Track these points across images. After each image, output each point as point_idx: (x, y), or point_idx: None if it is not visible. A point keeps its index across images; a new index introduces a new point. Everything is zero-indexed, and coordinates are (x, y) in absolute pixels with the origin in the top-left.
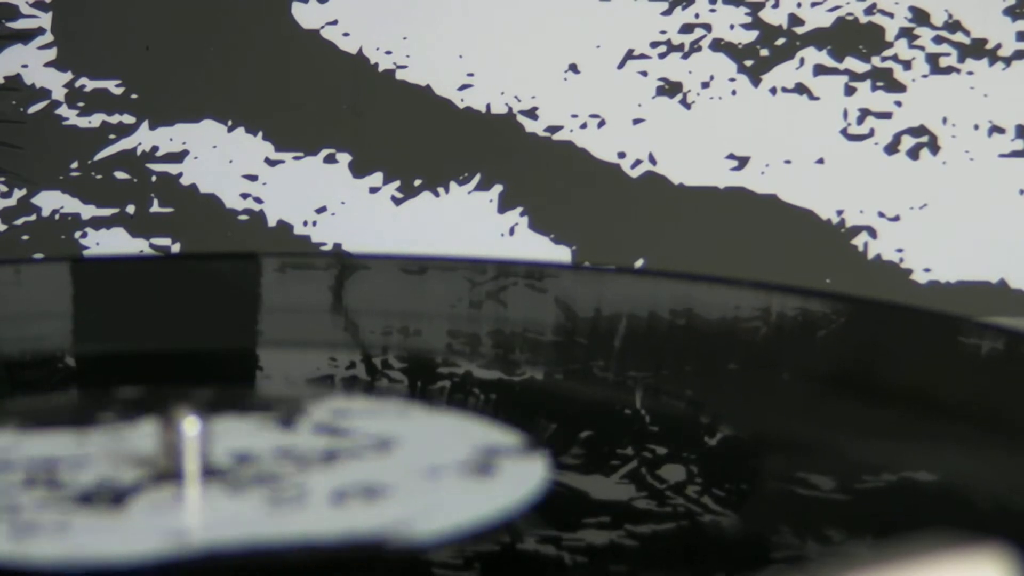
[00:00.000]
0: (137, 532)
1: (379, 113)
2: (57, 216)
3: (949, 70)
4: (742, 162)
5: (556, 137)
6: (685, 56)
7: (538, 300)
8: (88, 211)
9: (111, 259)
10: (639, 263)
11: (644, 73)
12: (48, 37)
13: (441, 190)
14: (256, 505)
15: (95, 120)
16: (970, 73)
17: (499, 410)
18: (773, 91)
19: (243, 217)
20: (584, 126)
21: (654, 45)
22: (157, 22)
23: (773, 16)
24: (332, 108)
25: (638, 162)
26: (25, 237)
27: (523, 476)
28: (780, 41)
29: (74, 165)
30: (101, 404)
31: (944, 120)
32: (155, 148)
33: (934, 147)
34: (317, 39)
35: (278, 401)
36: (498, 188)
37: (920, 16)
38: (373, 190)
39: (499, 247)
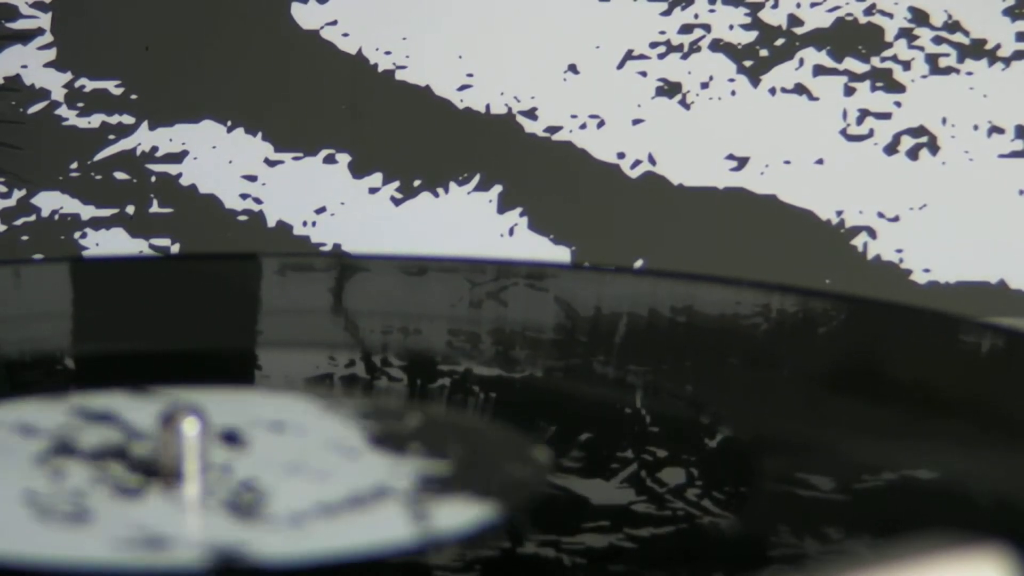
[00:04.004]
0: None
1: (378, 113)
2: (56, 216)
3: (948, 70)
4: (742, 162)
5: (556, 137)
6: (684, 56)
7: (538, 300)
8: (88, 211)
9: (111, 259)
10: (639, 263)
11: (643, 73)
12: (48, 37)
13: (440, 190)
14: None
15: (95, 120)
16: (969, 73)
17: (499, 410)
18: (772, 91)
19: (243, 217)
20: (583, 126)
21: (653, 45)
22: (157, 22)
23: (772, 16)
24: (332, 108)
25: (637, 162)
26: (25, 237)
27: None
28: (779, 41)
29: (74, 165)
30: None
31: (944, 120)
32: (155, 148)
33: (933, 147)
34: (317, 39)
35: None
36: (498, 188)
37: (919, 16)
38: (372, 190)
39: (499, 247)
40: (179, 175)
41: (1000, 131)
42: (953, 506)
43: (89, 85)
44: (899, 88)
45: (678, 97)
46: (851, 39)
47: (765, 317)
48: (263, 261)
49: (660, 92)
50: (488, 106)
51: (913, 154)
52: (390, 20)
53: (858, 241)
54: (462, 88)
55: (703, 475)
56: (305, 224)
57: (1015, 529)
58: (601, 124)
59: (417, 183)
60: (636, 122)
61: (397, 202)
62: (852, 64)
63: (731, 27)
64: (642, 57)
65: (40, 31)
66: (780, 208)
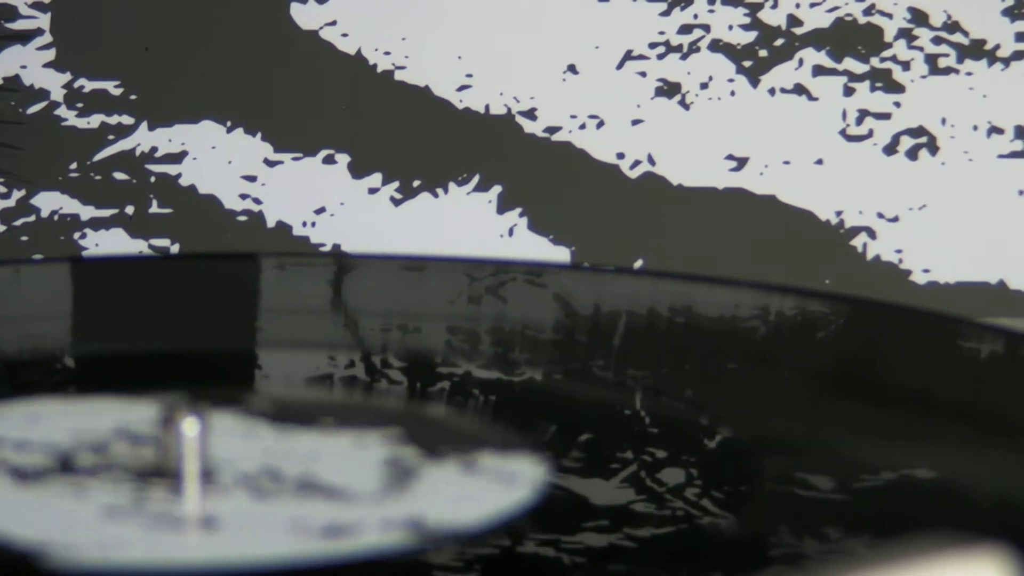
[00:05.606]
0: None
1: (378, 114)
2: (56, 217)
3: (948, 71)
4: (741, 163)
5: (555, 138)
6: (684, 57)
7: (537, 299)
8: (87, 212)
9: (111, 259)
10: (638, 264)
11: (643, 74)
12: (47, 37)
13: (440, 191)
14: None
15: (94, 121)
16: (969, 74)
17: (499, 411)
18: (772, 92)
19: (242, 218)
20: (583, 127)
21: (653, 46)
22: (157, 22)
23: (772, 17)
24: (331, 109)
25: (637, 163)
26: (24, 238)
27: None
28: (779, 42)
29: (73, 166)
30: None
31: (943, 121)
32: (154, 149)
33: (933, 148)
34: (316, 40)
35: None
36: (497, 189)
37: (919, 17)
38: (372, 191)
39: (498, 248)
40: (179, 175)
41: (1000, 131)
42: (953, 506)
43: (89, 85)
44: (899, 88)
45: (678, 97)
46: (851, 39)
47: (764, 317)
48: (262, 261)
49: (660, 92)
50: (488, 106)
51: (913, 154)
52: (390, 20)
53: (858, 241)
54: (462, 88)
55: (703, 475)
56: (305, 224)
57: (1015, 529)
58: (601, 124)
59: (417, 183)
60: (636, 122)
61: (397, 202)
62: (852, 64)
63: (731, 27)
64: (642, 57)
65: (40, 31)
66: (780, 208)
